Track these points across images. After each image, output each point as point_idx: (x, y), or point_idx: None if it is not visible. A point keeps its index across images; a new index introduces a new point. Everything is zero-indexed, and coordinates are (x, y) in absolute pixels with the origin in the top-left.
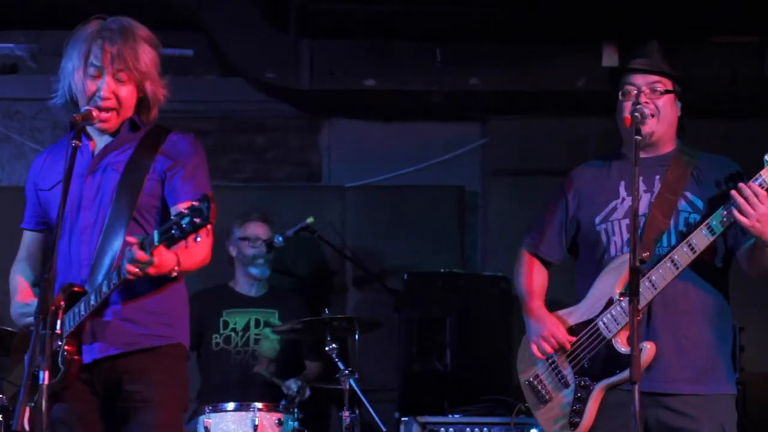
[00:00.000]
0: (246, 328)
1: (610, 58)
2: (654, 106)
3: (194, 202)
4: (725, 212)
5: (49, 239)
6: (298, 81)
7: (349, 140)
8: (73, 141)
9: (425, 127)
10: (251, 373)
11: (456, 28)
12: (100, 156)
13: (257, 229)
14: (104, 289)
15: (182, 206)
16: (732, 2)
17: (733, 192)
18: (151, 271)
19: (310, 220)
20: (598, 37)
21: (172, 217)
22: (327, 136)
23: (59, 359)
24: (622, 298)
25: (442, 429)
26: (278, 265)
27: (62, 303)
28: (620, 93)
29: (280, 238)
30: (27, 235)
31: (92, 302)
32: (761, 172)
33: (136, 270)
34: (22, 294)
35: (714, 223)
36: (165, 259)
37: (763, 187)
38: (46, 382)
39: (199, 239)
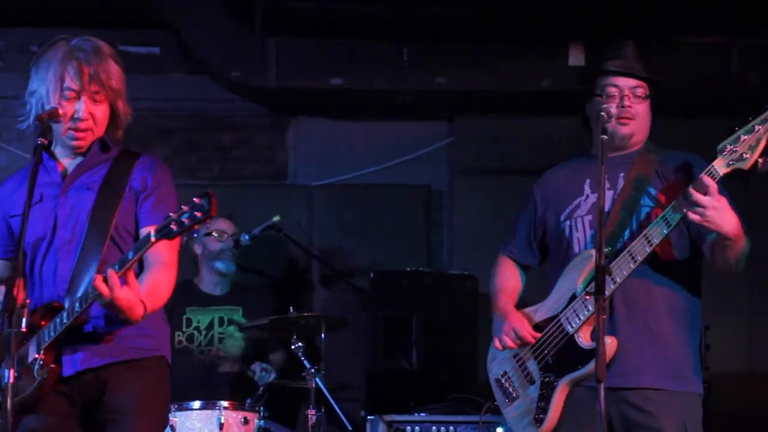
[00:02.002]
0: (210, 326)
1: (576, 58)
2: (635, 111)
3: (195, 199)
4: (677, 203)
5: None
6: (264, 79)
7: (316, 139)
8: (40, 139)
9: (392, 126)
10: (214, 371)
11: (423, 27)
12: (73, 176)
13: (222, 224)
14: (77, 308)
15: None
16: (699, 3)
17: (687, 191)
18: (120, 302)
19: (276, 218)
20: (564, 37)
21: (169, 214)
22: (293, 134)
23: (35, 370)
24: (588, 297)
25: (408, 427)
26: (245, 264)
27: (42, 322)
28: (599, 94)
29: (247, 237)
30: None
31: (77, 309)
32: (713, 163)
33: (106, 292)
34: None
35: (669, 215)
36: (133, 300)
37: (714, 178)
38: (11, 381)
39: (194, 235)
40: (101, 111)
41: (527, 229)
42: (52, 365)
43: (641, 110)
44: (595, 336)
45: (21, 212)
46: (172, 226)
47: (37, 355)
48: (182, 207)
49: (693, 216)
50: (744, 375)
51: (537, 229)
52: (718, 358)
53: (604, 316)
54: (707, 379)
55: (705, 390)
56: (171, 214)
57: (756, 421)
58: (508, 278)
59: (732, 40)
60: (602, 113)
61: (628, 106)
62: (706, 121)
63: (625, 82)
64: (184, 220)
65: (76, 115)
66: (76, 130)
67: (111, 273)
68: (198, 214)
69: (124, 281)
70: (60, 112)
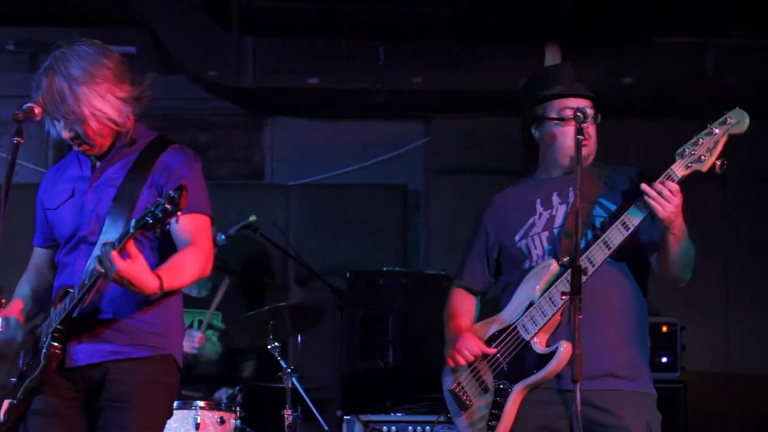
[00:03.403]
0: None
1: (553, 59)
2: (591, 131)
3: (171, 192)
4: (637, 204)
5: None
6: (241, 79)
7: (292, 138)
8: (15, 138)
9: (368, 126)
10: (193, 374)
11: (399, 27)
12: (99, 172)
13: None
14: (86, 281)
15: None
16: (675, 3)
17: (643, 186)
18: (124, 273)
19: (252, 218)
20: (541, 37)
21: (148, 206)
22: (270, 134)
23: (42, 354)
24: (564, 296)
25: (385, 427)
26: (220, 264)
27: (57, 305)
28: (556, 117)
29: (223, 236)
30: (36, 251)
31: (75, 294)
32: (672, 166)
33: (108, 266)
34: (9, 308)
35: (627, 218)
36: (139, 271)
37: (673, 180)
38: None
39: (168, 227)
40: (82, 128)
41: (480, 253)
42: (56, 351)
43: (594, 131)
44: (572, 337)
45: (54, 206)
46: (147, 217)
47: (44, 339)
48: (158, 199)
49: (657, 207)
50: (720, 374)
51: (491, 253)
52: (694, 358)
53: (581, 316)
54: (683, 379)
55: (681, 389)
56: (149, 205)
57: (732, 420)
58: (460, 304)
59: (708, 39)
60: (578, 113)
61: (587, 126)
62: (682, 120)
63: (578, 104)
64: (158, 212)
65: (61, 136)
66: (74, 145)
67: (108, 247)
68: (168, 207)
69: (126, 255)
70: (36, 111)
